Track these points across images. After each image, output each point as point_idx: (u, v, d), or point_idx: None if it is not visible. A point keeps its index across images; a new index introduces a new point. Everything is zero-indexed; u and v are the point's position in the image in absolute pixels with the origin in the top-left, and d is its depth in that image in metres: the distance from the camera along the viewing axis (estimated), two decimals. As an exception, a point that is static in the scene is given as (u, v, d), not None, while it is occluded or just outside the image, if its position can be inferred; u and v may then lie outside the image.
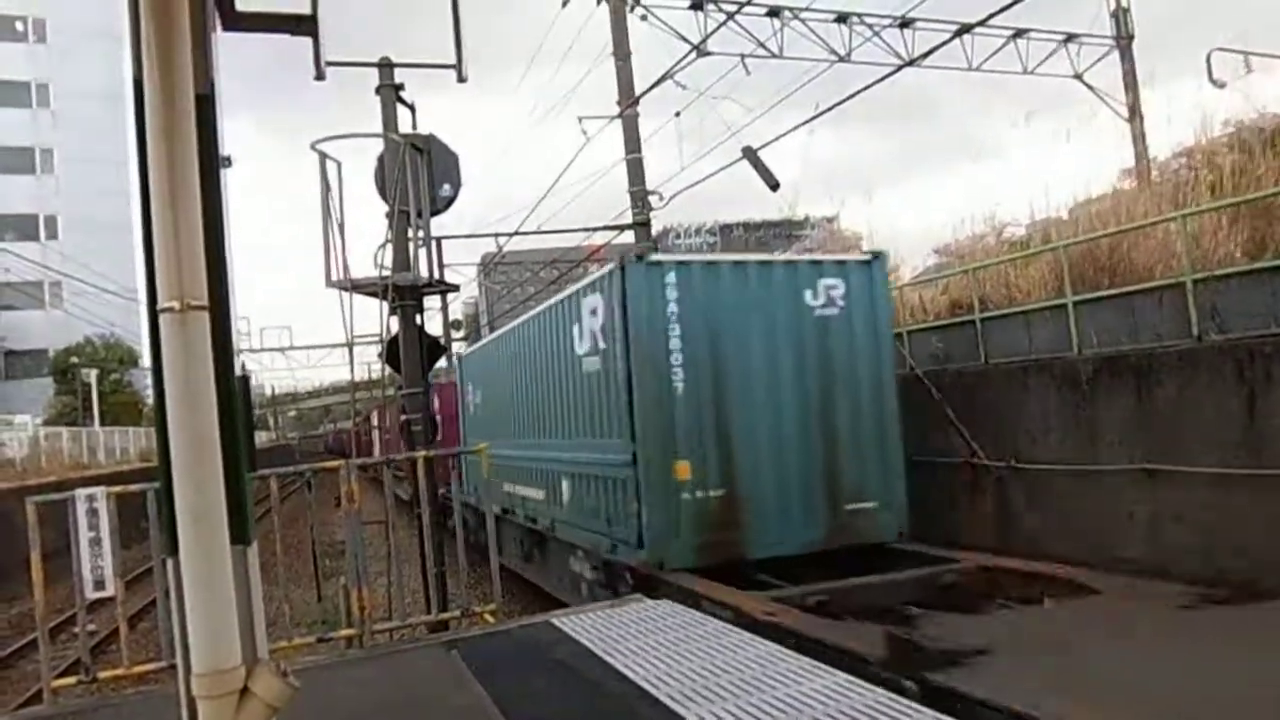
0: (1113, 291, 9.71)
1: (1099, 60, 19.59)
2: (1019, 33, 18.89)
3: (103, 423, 37.73)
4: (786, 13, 16.88)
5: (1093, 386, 9.17)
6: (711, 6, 16.23)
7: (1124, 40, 19.53)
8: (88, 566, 5.58)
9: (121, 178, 38.97)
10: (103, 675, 6.06)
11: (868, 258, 9.74)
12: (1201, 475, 7.98)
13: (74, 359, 41.42)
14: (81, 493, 5.64)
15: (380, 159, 9.63)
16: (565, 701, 4.45)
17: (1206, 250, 9.13)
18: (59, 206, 46.67)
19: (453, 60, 8.33)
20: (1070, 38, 19.52)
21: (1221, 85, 15.48)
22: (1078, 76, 19.67)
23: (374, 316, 9.39)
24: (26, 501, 5.63)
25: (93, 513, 5.56)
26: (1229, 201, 9.38)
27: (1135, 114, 19.02)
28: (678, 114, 17.26)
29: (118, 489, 5.85)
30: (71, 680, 6.23)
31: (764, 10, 16.69)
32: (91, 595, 5.70)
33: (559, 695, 4.55)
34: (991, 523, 10.30)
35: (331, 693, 4.86)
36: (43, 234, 45.41)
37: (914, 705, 3.91)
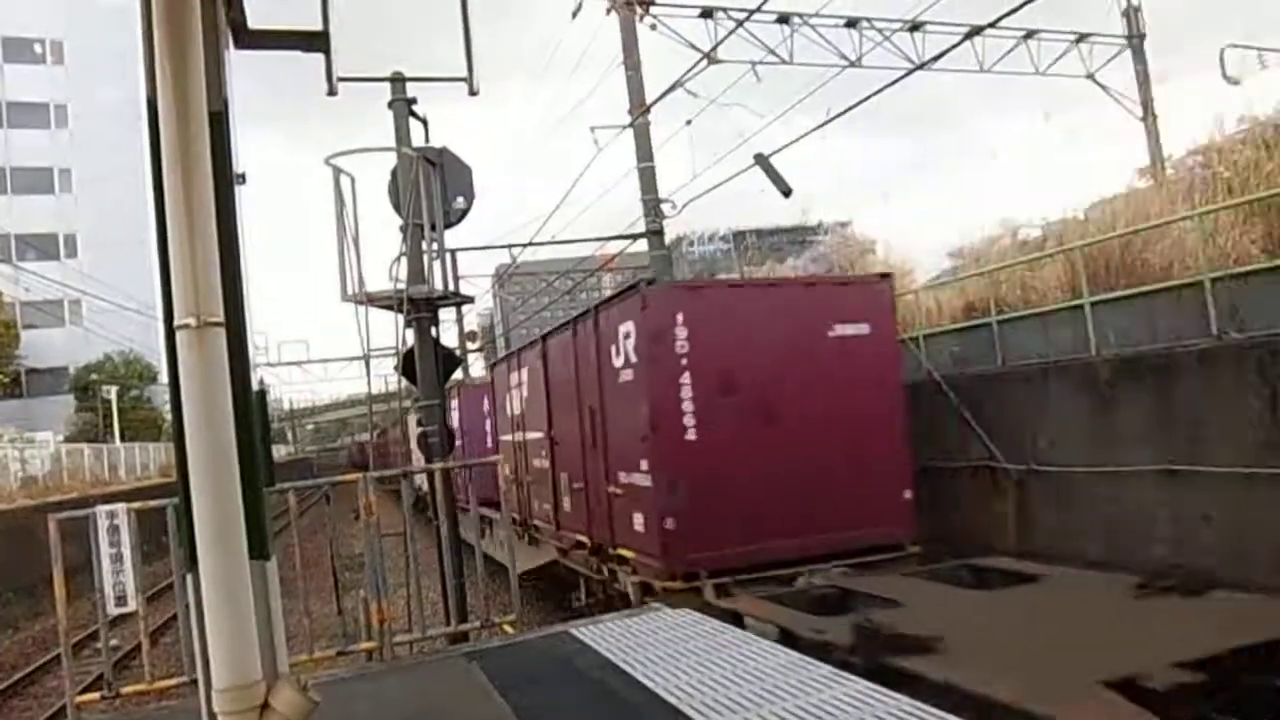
0: (1130, 292, 9.64)
1: (1111, 60, 19.50)
2: (1030, 33, 18.80)
3: (123, 439, 38.01)
4: (796, 19, 16.87)
5: (1112, 387, 9.10)
6: (721, 14, 16.24)
7: (1136, 39, 19.43)
8: (109, 582, 5.61)
9: (139, 195, 39.33)
10: (125, 690, 6.08)
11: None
12: (1225, 475, 7.90)
13: (94, 376, 41.80)
14: (102, 509, 5.67)
15: (394, 173, 9.68)
16: (587, 713, 4.43)
17: (1224, 248, 9.07)
18: (78, 225, 47.14)
19: (464, 73, 8.37)
20: (1082, 38, 19.43)
21: (1236, 82, 15.39)
22: (1090, 76, 19.57)
23: (390, 329, 9.41)
24: (49, 518, 5.66)
25: (113, 529, 5.59)
26: (1246, 199, 9.30)
27: (1149, 113, 18.93)
28: (689, 122, 17.26)
29: (138, 505, 5.87)
30: (95, 696, 6.25)
31: (774, 17, 16.67)
32: (113, 611, 5.73)
33: (581, 707, 4.53)
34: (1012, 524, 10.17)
35: (353, 706, 4.86)
36: (62, 252, 45.86)
37: (938, 712, 3.87)
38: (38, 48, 49.02)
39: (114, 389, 39.73)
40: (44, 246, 44.35)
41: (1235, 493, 7.80)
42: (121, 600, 5.64)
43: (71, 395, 43.50)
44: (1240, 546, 7.73)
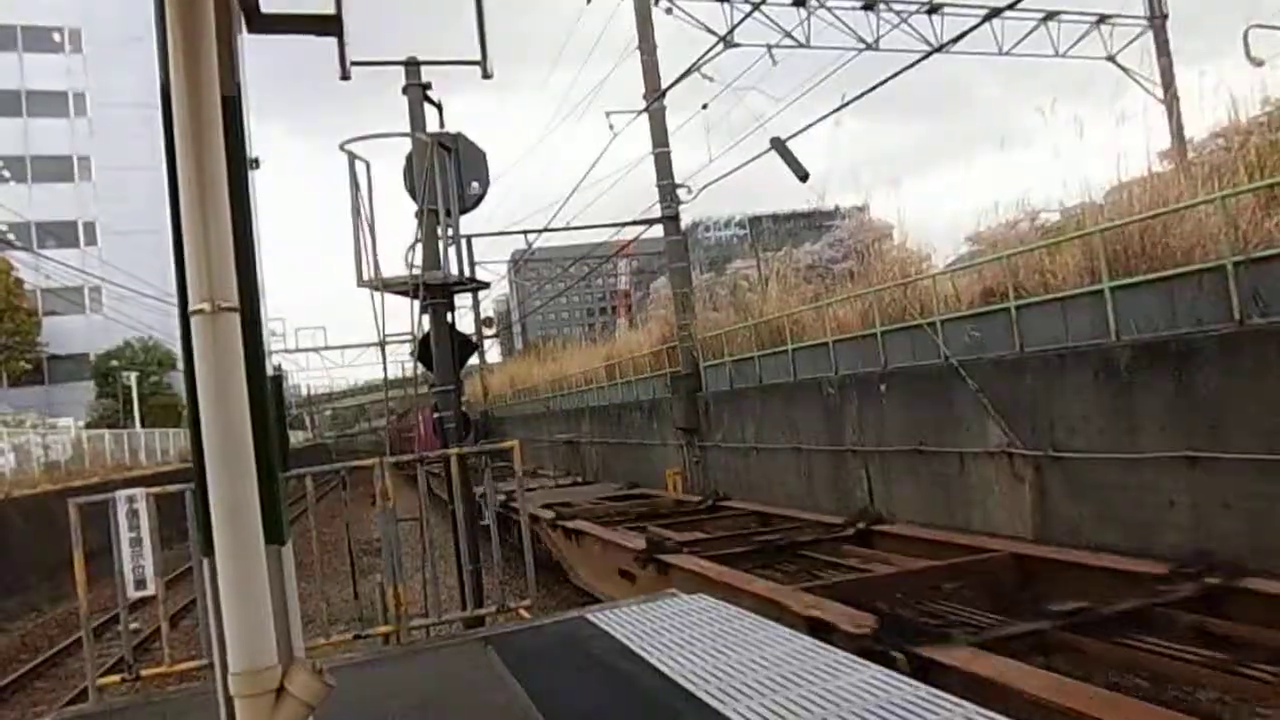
0: (1151, 276, 9.52)
1: (1132, 41, 19.27)
2: (1050, 15, 18.62)
3: (143, 425, 38.36)
4: (813, 1, 16.74)
5: (1131, 373, 9.02)
6: (737, -3, 16.13)
7: (1158, 20, 19.19)
8: (129, 566, 5.65)
9: (157, 182, 39.57)
10: (145, 673, 6.14)
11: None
12: (1246, 462, 7.83)
13: (114, 362, 42.15)
14: (121, 494, 5.71)
15: (409, 158, 9.68)
16: (603, 698, 4.44)
17: (1245, 232, 8.94)
18: (97, 213, 47.46)
19: (477, 58, 8.34)
20: (1103, 19, 19.21)
21: (1260, 63, 15.11)
22: (1111, 59, 19.35)
23: (406, 316, 9.47)
24: (69, 503, 5.71)
25: (133, 513, 5.63)
26: (1268, 182, 9.16)
27: (1170, 95, 18.70)
28: (705, 106, 17.21)
29: (156, 490, 5.92)
30: (116, 678, 6.32)
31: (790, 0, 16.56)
32: (133, 595, 5.77)
33: (596, 692, 4.54)
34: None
35: (369, 690, 4.89)
36: (82, 240, 46.20)
37: (953, 699, 3.85)
38: (56, 36, 49.25)
39: (134, 375, 40.08)
40: (64, 234, 44.69)
41: (1255, 480, 7.75)
42: (141, 584, 5.68)
43: (92, 381, 43.88)
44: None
